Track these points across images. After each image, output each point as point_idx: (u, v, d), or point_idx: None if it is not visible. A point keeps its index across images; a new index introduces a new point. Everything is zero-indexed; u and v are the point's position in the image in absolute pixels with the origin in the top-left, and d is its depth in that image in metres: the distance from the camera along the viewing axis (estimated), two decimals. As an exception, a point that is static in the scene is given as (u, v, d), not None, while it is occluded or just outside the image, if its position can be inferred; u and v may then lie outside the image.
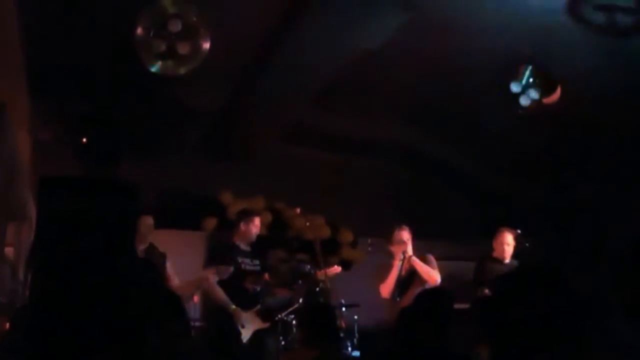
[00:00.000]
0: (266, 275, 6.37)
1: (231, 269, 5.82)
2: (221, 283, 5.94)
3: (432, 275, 6.18)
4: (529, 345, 1.84)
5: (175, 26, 5.26)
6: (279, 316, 6.19)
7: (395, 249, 6.26)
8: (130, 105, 7.35)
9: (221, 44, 5.56)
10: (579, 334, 1.79)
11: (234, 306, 5.90)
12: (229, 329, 5.85)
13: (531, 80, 6.17)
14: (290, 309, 6.21)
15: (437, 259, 6.42)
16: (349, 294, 6.81)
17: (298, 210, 8.43)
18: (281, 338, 6.14)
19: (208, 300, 6.46)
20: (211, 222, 8.46)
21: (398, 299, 6.02)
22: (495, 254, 6.51)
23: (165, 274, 6.12)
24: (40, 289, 3.64)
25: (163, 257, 6.20)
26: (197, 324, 7.19)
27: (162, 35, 5.30)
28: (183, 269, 6.47)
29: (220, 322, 5.97)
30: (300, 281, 6.48)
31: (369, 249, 6.77)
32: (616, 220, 7.67)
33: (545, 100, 6.17)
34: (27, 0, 5.16)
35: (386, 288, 6.17)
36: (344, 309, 6.68)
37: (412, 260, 6.21)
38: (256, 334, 6.00)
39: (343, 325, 6.39)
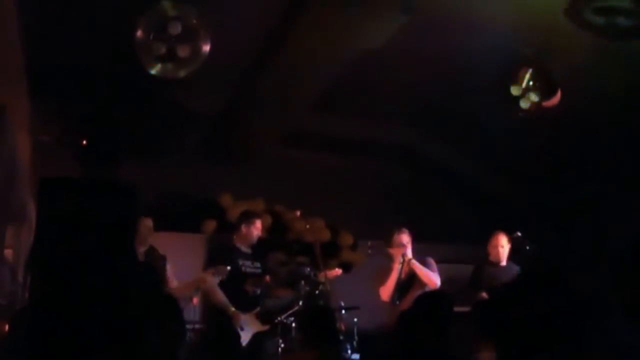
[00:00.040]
0: (267, 278, 6.36)
1: (228, 268, 5.80)
2: (221, 285, 5.93)
3: (432, 278, 6.18)
4: (530, 346, 1.84)
5: (175, 29, 5.26)
6: (279, 318, 6.18)
7: (395, 252, 6.25)
8: (130, 107, 7.35)
9: (221, 46, 5.56)
10: (580, 334, 1.79)
11: (233, 308, 5.89)
12: (228, 331, 5.83)
13: (531, 83, 6.17)
14: (290, 312, 6.20)
15: (437, 261, 6.42)
16: (348, 296, 6.81)
17: (298, 212, 8.43)
18: (280, 340, 6.13)
19: (207, 302, 6.45)
20: (211, 225, 8.46)
21: (398, 302, 6.01)
22: (491, 258, 6.50)
23: (165, 276, 6.12)
24: (40, 290, 3.64)
25: (163, 259, 6.19)
26: (196, 326, 7.19)
27: (162, 38, 5.31)
28: (183, 271, 6.46)
29: (220, 325, 5.95)
30: (304, 285, 6.45)
31: (369, 251, 6.77)
32: (616, 221, 7.67)
33: (545, 104, 6.17)
34: (27, 2, 5.15)
35: (386, 291, 6.16)
36: (343, 311, 6.67)
37: (412, 263, 6.21)
38: (256, 337, 5.99)
39: (343, 328, 6.39)
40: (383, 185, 9.22)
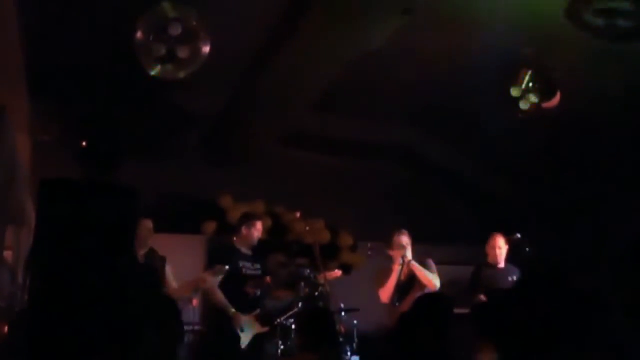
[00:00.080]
0: (268, 279, 6.34)
1: (227, 267, 5.79)
2: (221, 287, 5.92)
3: (432, 280, 6.17)
4: (531, 347, 1.83)
5: (175, 30, 5.26)
6: (278, 320, 6.18)
7: (395, 254, 6.24)
8: (130, 108, 7.35)
9: (221, 47, 5.55)
10: (580, 334, 1.78)
11: (233, 310, 5.87)
12: (228, 333, 5.83)
13: (531, 85, 6.17)
14: (290, 314, 6.19)
15: (437, 263, 6.41)
16: (348, 298, 6.80)
17: (298, 214, 8.43)
18: (280, 342, 6.12)
19: (207, 304, 6.44)
20: (211, 226, 8.46)
21: (397, 304, 6.01)
22: (490, 259, 6.51)
23: (165, 277, 6.11)
24: (39, 291, 3.64)
25: (163, 261, 6.18)
26: (196, 327, 7.18)
27: (162, 39, 5.30)
28: (183, 272, 6.45)
29: (220, 326, 5.95)
30: (304, 287, 6.44)
31: (369, 253, 6.76)
32: (616, 221, 7.67)
33: (545, 105, 6.17)
34: (28, 2, 5.15)
35: (386, 293, 6.16)
36: (343, 313, 6.66)
37: (412, 265, 6.20)
38: (256, 339, 5.98)
39: (342, 330, 6.38)
40: (383, 186, 9.22)
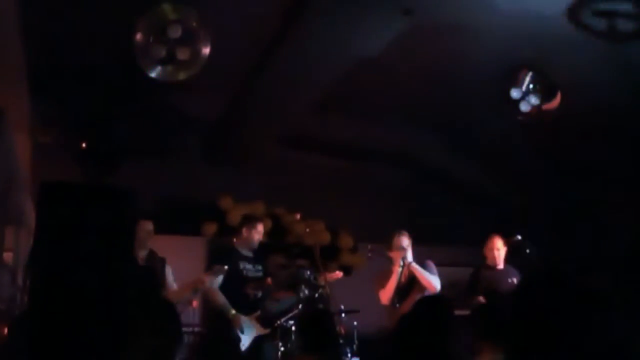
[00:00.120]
0: (269, 281, 6.33)
1: (226, 267, 5.78)
2: (222, 288, 5.91)
3: (432, 281, 6.16)
4: (533, 348, 1.83)
5: (175, 32, 5.26)
6: (278, 322, 6.17)
7: (395, 255, 6.23)
8: (130, 109, 7.35)
9: (221, 48, 5.55)
10: (581, 335, 1.78)
11: (233, 311, 5.86)
12: (228, 334, 5.82)
13: (531, 86, 6.17)
14: (290, 315, 6.18)
15: (436, 264, 6.41)
16: (348, 300, 6.79)
17: (298, 215, 8.43)
18: (280, 344, 6.11)
19: (207, 305, 6.43)
20: (211, 227, 8.46)
21: (397, 305, 6.00)
22: (488, 261, 6.51)
23: (165, 279, 6.11)
24: (39, 294, 3.64)
25: (163, 262, 6.17)
26: (196, 329, 7.17)
27: (162, 41, 5.30)
28: (183, 274, 6.45)
29: (219, 328, 5.94)
30: (305, 288, 6.42)
31: (369, 254, 6.75)
32: (616, 222, 7.67)
33: (546, 107, 6.16)
34: (28, 4, 5.15)
35: (386, 294, 6.14)
36: (343, 315, 6.65)
37: (412, 266, 6.19)
38: (256, 340, 5.97)
39: (342, 331, 6.36)
40: (383, 187, 9.22)
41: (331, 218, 8.70)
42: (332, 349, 4.21)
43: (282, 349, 6.08)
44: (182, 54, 5.38)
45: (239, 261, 6.12)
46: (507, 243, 6.51)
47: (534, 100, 6.13)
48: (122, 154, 7.77)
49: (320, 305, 6.36)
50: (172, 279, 6.19)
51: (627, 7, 4.95)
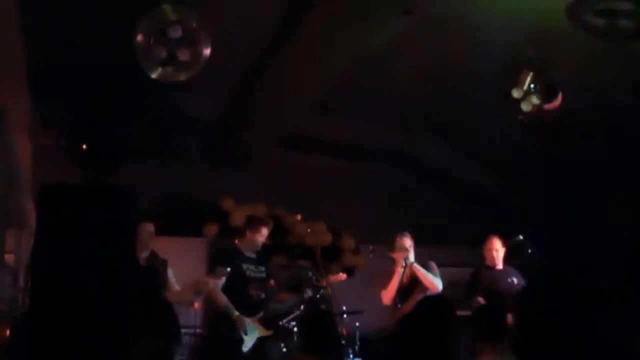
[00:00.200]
0: (272, 282, 6.31)
1: (228, 269, 5.77)
2: (225, 289, 5.90)
3: (434, 282, 6.17)
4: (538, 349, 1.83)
5: (176, 32, 5.25)
6: (280, 323, 6.16)
7: (397, 256, 6.23)
8: (131, 110, 7.35)
9: (221, 49, 5.55)
10: (582, 334, 1.77)
11: (237, 313, 5.84)
12: (230, 336, 5.81)
13: (532, 86, 6.15)
14: (292, 316, 6.18)
15: (438, 265, 6.41)
16: (350, 300, 6.79)
17: (299, 216, 8.42)
18: (282, 345, 6.11)
19: (210, 307, 6.42)
20: (212, 228, 8.45)
21: (399, 306, 6.00)
22: (487, 262, 6.52)
23: (167, 280, 6.11)
24: (40, 295, 3.64)
25: (164, 264, 6.18)
26: (197, 330, 7.18)
27: (162, 42, 5.30)
28: (185, 275, 6.45)
29: (221, 330, 5.93)
30: (308, 290, 6.41)
31: (370, 255, 6.75)
32: (616, 222, 7.66)
33: (547, 106, 6.15)
34: (29, 5, 5.15)
35: (388, 295, 6.14)
36: (345, 315, 6.65)
37: (414, 267, 6.19)
38: (259, 341, 5.96)
39: (344, 332, 6.37)
40: (383, 188, 9.22)
41: (332, 219, 8.70)
42: (333, 350, 4.20)
43: (284, 349, 6.08)
44: (183, 55, 5.37)
45: (242, 262, 6.10)
46: (507, 243, 6.52)
47: (534, 100, 6.12)
48: (122, 154, 7.77)
49: (322, 306, 6.36)
50: (174, 280, 6.19)
51: (627, 6, 4.93)
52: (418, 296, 5.81)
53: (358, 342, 6.52)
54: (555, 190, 8.45)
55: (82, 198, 3.82)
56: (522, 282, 6.37)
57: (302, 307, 6.26)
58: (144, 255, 6.00)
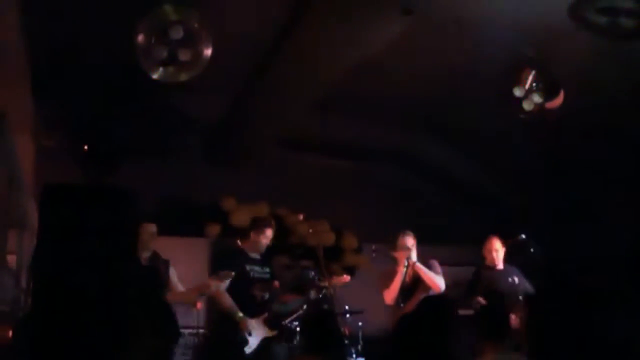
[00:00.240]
0: (276, 283, 6.30)
1: (233, 273, 5.76)
2: (229, 290, 5.88)
3: (436, 281, 6.17)
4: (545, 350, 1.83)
5: (177, 33, 5.25)
6: (283, 323, 6.16)
7: (400, 255, 6.23)
8: (133, 111, 7.36)
9: (223, 49, 5.55)
10: (580, 335, 1.78)
11: (241, 314, 5.82)
12: (233, 337, 5.80)
13: (534, 85, 6.15)
14: (294, 316, 6.18)
15: (441, 264, 6.41)
16: (352, 300, 6.78)
17: (301, 216, 8.41)
18: (285, 345, 6.11)
19: (213, 307, 6.42)
20: (214, 229, 8.45)
21: (402, 306, 6.00)
22: (487, 262, 6.53)
23: (169, 281, 6.11)
24: (42, 296, 3.64)
25: (166, 264, 6.18)
26: (200, 330, 7.18)
27: (163, 42, 5.30)
28: (187, 275, 6.45)
29: (225, 331, 5.92)
30: (312, 292, 6.40)
31: (373, 254, 6.75)
32: (617, 222, 7.65)
33: (549, 105, 6.14)
34: (30, 6, 5.15)
35: (390, 294, 6.14)
36: (348, 315, 6.65)
37: (416, 266, 6.19)
38: (263, 342, 5.95)
39: (347, 332, 6.36)
40: (383, 188, 9.21)
41: (333, 218, 8.70)
42: (336, 350, 4.20)
43: (287, 350, 6.07)
44: (184, 55, 5.37)
45: (246, 263, 6.08)
46: (508, 243, 6.53)
47: (536, 98, 6.11)
48: (123, 154, 7.77)
49: (325, 306, 6.35)
50: (176, 280, 6.19)
51: (629, 4, 4.93)
52: (421, 295, 5.80)
53: (361, 342, 6.51)
54: (555, 190, 8.45)
55: (83, 198, 3.83)
56: (524, 281, 6.38)
57: (304, 307, 6.25)
58: (145, 255, 6.01)
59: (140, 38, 5.25)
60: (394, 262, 6.27)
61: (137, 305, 3.53)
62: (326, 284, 6.40)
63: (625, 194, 7.70)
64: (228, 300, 5.85)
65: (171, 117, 7.72)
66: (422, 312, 3.06)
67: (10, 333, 4.64)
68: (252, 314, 5.90)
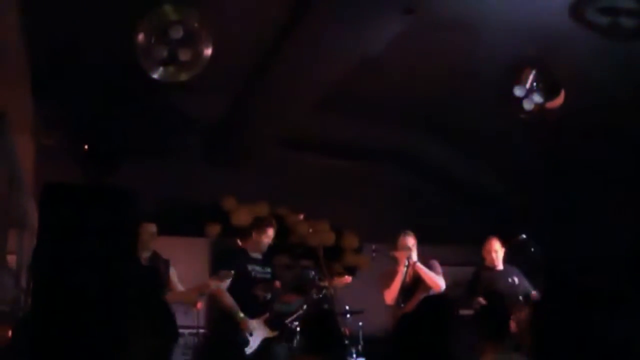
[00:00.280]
0: (278, 283, 6.29)
1: (232, 272, 5.76)
2: (230, 290, 5.88)
3: (437, 281, 6.17)
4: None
5: (177, 33, 5.25)
6: (285, 322, 6.15)
7: (400, 255, 6.23)
8: (133, 111, 7.35)
9: (222, 49, 5.55)
10: (580, 335, 1.78)
11: (242, 315, 5.81)
12: (233, 337, 5.79)
13: (535, 84, 6.15)
14: (294, 316, 6.17)
15: (441, 264, 6.40)
16: (353, 300, 6.78)
17: (301, 216, 8.41)
18: (286, 345, 6.10)
19: (213, 307, 6.41)
20: (215, 229, 8.45)
21: (402, 306, 6.00)
22: (487, 263, 6.54)
23: (169, 280, 6.11)
24: (42, 296, 3.64)
25: (166, 264, 6.18)
26: (200, 330, 7.17)
27: (163, 42, 5.30)
28: (187, 275, 6.45)
29: (224, 330, 5.92)
30: (314, 293, 6.39)
31: (373, 254, 6.74)
32: (617, 222, 7.65)
33: (549, 105, 6.14)
34: (30, 6, 5.15)
35: (390, 294, 6.14)
36: (348, 315, 6.64)
37: (417, 266, 6.19)
38: (264, 342, 5.95)
39: (347, 332, 6.36)
40: (383, 187, 9.21)
41: (333, 218, 8.70)
42: (336, 350, 4.20)
43: (287, 350, 6.06)
44: (184, 55, 5.37)
45: (247, 263, 6.08)
46: (508, 243, 6.53)
47: (537, 98, 6.11)
48: (123, 155, 7.77)
49: (325, 306, 6.34)
50: (177, 280, 6.19)
51: (630, 4, 4.93)
52: (421, 295, 5.80)
53: (361, 342, 6.51)
54: (555, 190, 8.44)
55: (83, 198, 3.83)
56: (524, 281, 6.38)
57: (304, 307, 6.24)
58: (145, 255, 6.01)
59: (141, 38, 5.25)
60: (395, 262, 6.27)
61: (137, 305, 3.53)
62: (326, 283, 6.40)
63: (625, 194, 7.70)
64: (229, 300, 5.84)
65: (171, 117, 7.71)
66: (422, 312, 3.06)
67: (10, 333, 4.64)
68: (253, 314, 5.89)
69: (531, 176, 8.48)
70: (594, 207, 8.06)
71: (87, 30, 6.01)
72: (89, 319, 3.55)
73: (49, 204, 3.72)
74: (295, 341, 6.05)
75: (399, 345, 2.98)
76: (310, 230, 7.93)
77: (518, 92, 6.17)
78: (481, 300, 6.06)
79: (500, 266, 6.50)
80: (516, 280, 6.34)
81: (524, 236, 6.45)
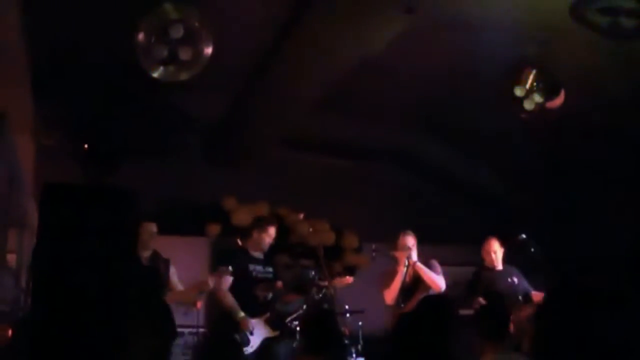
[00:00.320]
0: (279, 283, 6.29)
1: (230, 268, 5.75)
2: (231, 290, 5.87)
3: (436, 281, 6.17)
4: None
5: (177, 32, 5.24)
6: (286, 321, 6.15)
7: (400, 255, 6.23)
8: (133, 110, 7.35)
9: (223, 48, 5.54)
10: (580, 335, 1.78)
11: (242, 314, 5.81)
12: (232, 337, 5.79)
13: (535, 84, 6.15)
14: (294, 316, 6.17)
15: (441, 264, 6.40)
16: (353, 300, 6.78)
17: (301, 215, 8.41)
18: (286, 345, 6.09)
19: (213, 307, 6.41)
20: (215, 228, 8.45)
21: (402, 305, 6.00)
22: (487, 263, 6.54)
23: (169, 280, 6.11)
24: (42, 295, 3.64)
25: (167, 263, 6.18)
26: (200, 330, 7.17)
27: (163, 41, 5.29)
28: (187, 275, 6.45)
29: (224, 330, 5.91)
30: (315, 292, 6.39)
31: (373, 254, 6.74)
32: (617, 222, 7.65)
33: (549, 105, 6.14)
34: (30, 6, 5.15)
35: (390, 294, 6.15)
36: (348, 315, 6.64)
37: (417, 266, 6.19)
38: (265, 342, 5.94)
39: (347, 331, 6.35)
40: (383, 187, 9.21)
41: (333, 218, 8.70)
42: (336, 349, 4.20)
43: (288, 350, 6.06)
44: (184, 54, 5.37)
45: (249, 263, 6.08)
46: (508, 243, 6.54)
47: (537, 98, 6.11)
48: (123, 155, 7.77)
49: (325, 305, 6.35)
50: (176, 280, 6.19)
51: (629, 4, 4.93)
52: (421, 295, 5.80)
53: (361, 342, 6.51)
54: (555, 190, 8.44)
55: (84, 198, 3.83)
56: (523, 281, 6.38)
57: (304, 306, 6.24)
58: (145, 254, 6.01)
59: (141, 37, 5.25)
60: (394, 262, 6.27)
61: (137, 305, 3.53)
62: (326, 283, 6.40)
63: (625, 194, 7.70)
64: (230, 300, 5.84)
65: (171, 116, 7.71)
66: (421, 311, 3.06)
67: (10, 333, 4.63)
68: (254, 313, 5.89)
69: (531, 176, 8.48)
70: (594, 207, 8.06)
71: (88, 30, 6.01)
72: (89, 319, 3.55)
73: (49, 204, 3.72)
74: (295, 341, 6.05)
75: (398, 345, 2.98)
76: (310, 229, 7.93)
77: (518, 92, 6.16)
78: (481, 300, 6.07)
79: (499, 266, 6.50)
80: (516, 280, 6.35)
81: (524, 236, 6.45)
